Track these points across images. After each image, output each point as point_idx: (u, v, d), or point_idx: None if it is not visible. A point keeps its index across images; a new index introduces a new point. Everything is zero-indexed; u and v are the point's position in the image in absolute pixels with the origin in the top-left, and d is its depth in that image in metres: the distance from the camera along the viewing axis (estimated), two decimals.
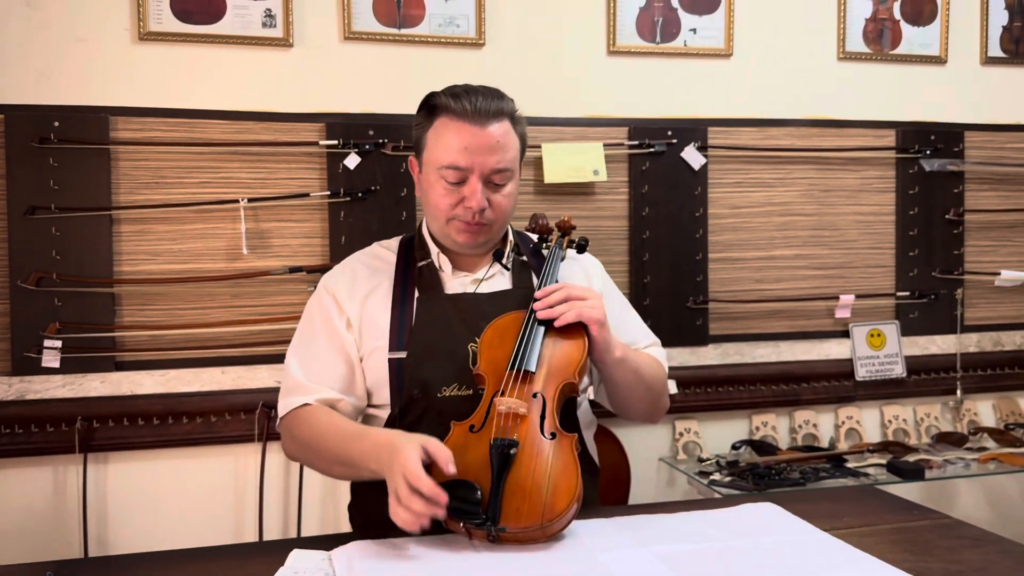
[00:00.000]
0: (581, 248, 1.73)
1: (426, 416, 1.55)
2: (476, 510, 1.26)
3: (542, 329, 1.49)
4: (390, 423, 1.58)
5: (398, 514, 1.26)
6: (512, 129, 1.60)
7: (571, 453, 1.35)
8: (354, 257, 1.75)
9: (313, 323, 1.65)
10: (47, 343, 2.24)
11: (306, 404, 1.56)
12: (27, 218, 2.24)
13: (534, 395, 1.42)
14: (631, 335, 1.74)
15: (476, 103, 1.55)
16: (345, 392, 1.60)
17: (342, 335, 1.61)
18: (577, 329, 1.54)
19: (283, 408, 1.60)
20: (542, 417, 1.40)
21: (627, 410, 1.71)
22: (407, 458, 1.27)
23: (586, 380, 1.70)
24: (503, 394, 1.41)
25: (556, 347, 1.50)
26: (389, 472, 1.31)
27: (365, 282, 1.65)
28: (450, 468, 1.27)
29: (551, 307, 1.48)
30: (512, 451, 1.32)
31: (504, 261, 1.67)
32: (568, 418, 1.58)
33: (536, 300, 1.50)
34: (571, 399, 1.57)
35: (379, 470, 1.35)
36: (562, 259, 1.70)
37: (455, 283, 1.65)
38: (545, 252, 1.70)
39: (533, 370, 1.44)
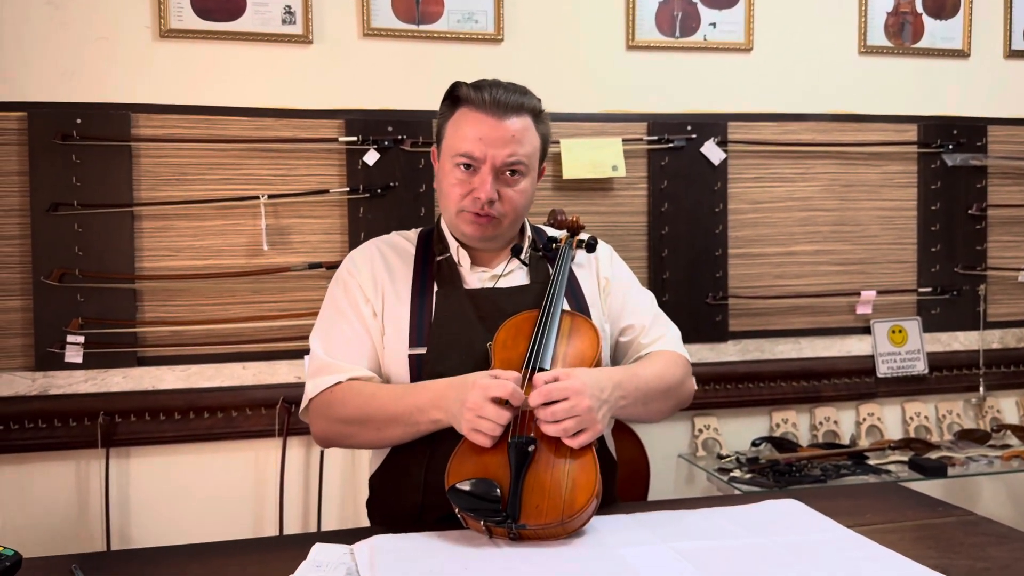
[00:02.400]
0: (591, 247, 1.71)
1: None
2: (496, 508, 1.26)
3: (556, 327, 1.49)
4: None
5: (480, 426, 1.33)
6: (533, 126, 1.59)
7: (589, 449, 1.35)
8: (373, 244, 1.72)
9: (338, 305, 1.63)
10: (70, 339, 2.26)
11: (339, 383, 1.54)
12: (50, 215, 2.26)
13: None
14: (633, 318, 1.70)
15: (496, 95, 1.55)
16: (374, 372, 1.59)
17: (368, 320, 1.61)
18: (590, 326, 1.53)
19: (313, 389, 1.56)
20: None
21: (651, 421, 1.67)
22: (480, 376, 1.37)
23: None
24: None
25: (570, 345, 1.50)
26: (461, 402, 1.36)
27: (385, 273, 1.64)
28: (519, 395, 1.34)
29: (557, 421, 1.34)
30: (531, 448, 1.32)
31: (522, 256, 1.66)
32: None
33: (543, 406, 1.35)
34: None
35: (444, 414, 1.41)
36: (572, 259, 1.69)
37: (474, 278, 1.64)
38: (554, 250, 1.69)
39: (548, 368, 1.43)
